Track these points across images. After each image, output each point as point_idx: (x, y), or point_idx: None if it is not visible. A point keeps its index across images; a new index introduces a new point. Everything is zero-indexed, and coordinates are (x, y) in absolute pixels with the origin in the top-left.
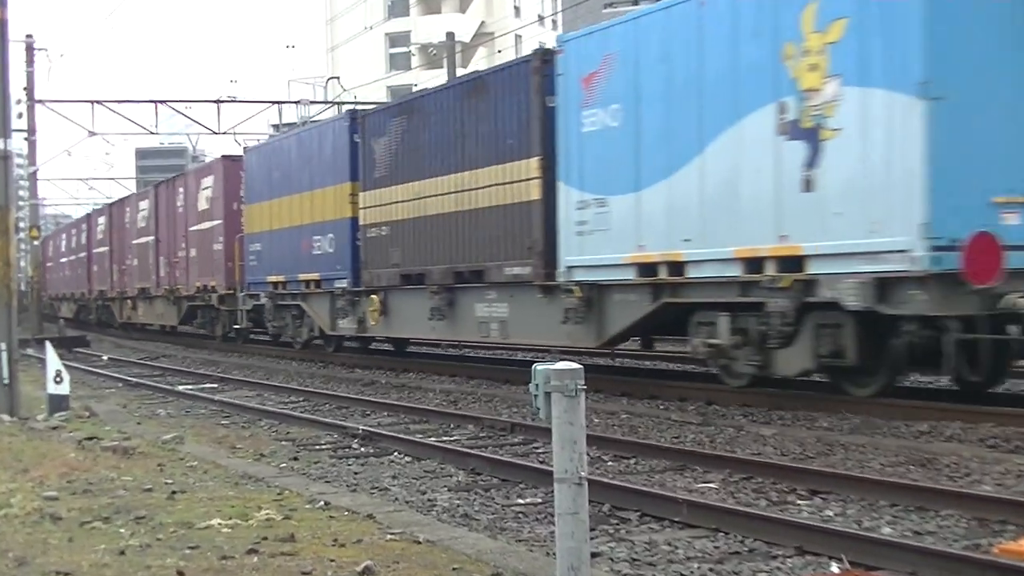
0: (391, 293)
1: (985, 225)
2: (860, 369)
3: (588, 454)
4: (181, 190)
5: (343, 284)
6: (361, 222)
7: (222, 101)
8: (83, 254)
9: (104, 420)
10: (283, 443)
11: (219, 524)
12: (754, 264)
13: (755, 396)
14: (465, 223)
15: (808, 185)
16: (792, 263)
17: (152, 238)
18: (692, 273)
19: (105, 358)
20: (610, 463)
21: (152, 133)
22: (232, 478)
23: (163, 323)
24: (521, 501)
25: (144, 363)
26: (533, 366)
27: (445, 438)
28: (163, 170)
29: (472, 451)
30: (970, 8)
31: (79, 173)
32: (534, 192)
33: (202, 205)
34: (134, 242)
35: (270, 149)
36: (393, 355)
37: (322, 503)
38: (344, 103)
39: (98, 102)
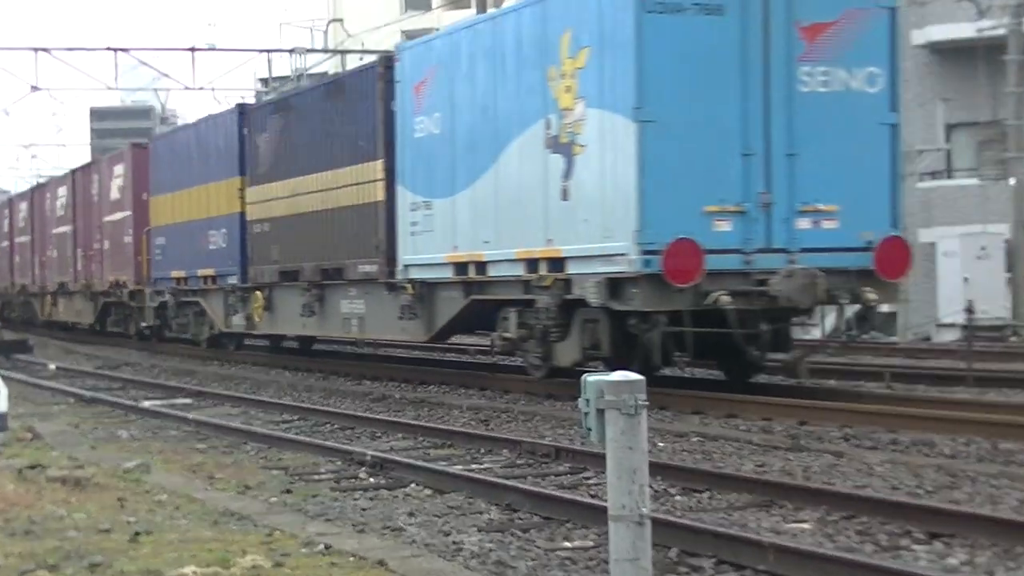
0: (274, 290)
1: (694, 232)
2: (619, 360)
3: (651, 486)
4: (96, 177)
5: (233, 280)
6: (248, 218)
7: (197, 50)
8: (5, 243)
9: (51, 444)
10: (273, 472)
11: (194, 573)
12: (532, 264)
13: (857, 415)
14: (329, 222)
15: (565, 194)
16: (557, 264)
17: (70, 228)
18: (492, 272)
19: (52, 367)
20: (678, 497)
21: (110, 89)
22: (210, 515)
23: (80, 321)
24: (568, 544)
25: (101, 373)
26: (583, 377)
27: (474, 466)
28: (125, 134)
29: (507, 482)
30: (682, 36)
31: (20, 138)
32: (379, 193)
33: (114, 195)
34: (54, 232)
35: (174, 139)
36: (406, 363)
37: (322, 546)
38: (349, 51)
39: (43, 50)
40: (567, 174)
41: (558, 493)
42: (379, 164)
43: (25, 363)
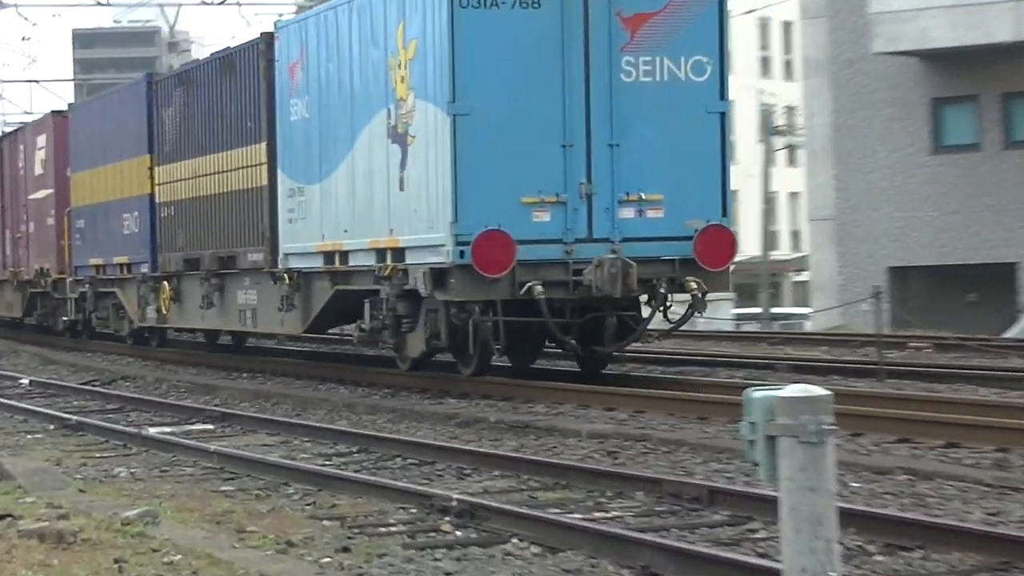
0: (181, 279)
1: (510, 223)
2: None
3: (841, 543)
4: (22, 148)
5: (145, 269)
6: (157, 200)
7: None
8: None
9: (24, 486)
10: (325, 523)
11: None
12: (381, 254)
13: None
14: (224, 207)
15: (402, 184)
16: (399, 254)
17: None
18: (352, 262)
19: (25, 382)
20: (880, 557)
21: (100, 4)
22: None
23: (10, 315)
24: None
25: (91, 390)
26: (745, 392)
27: (598, 515)
28: (119, 66)
29: (644, 536)
30: (498, 30)
31: None
32: (263, 178)
33: (38, 169)
34: None
35: (92, 108)
36: (499, 375)
37: None
38: None
39: None
40: (403, 164)
41: (713, 551)
42: (263, 147)
43: None
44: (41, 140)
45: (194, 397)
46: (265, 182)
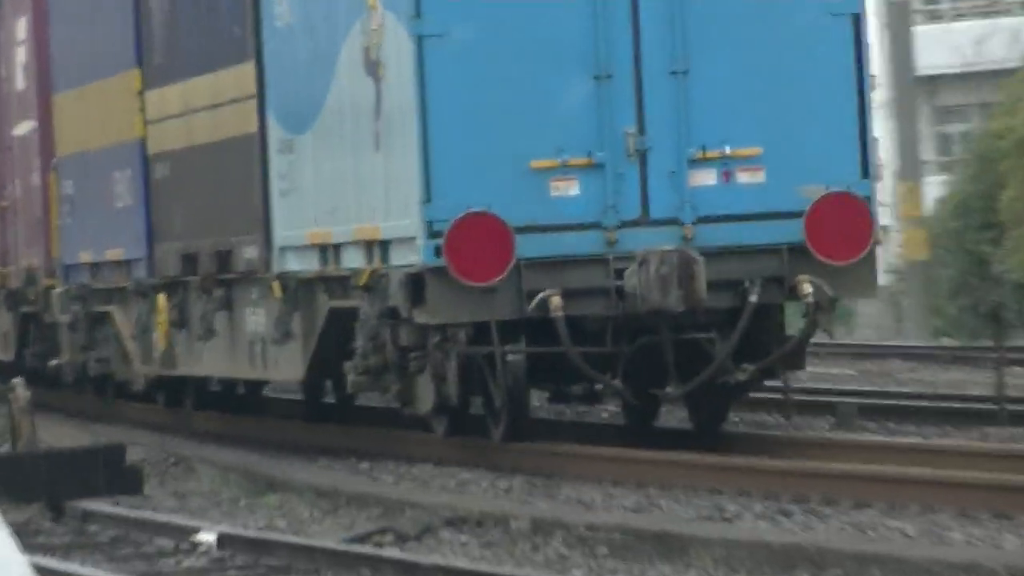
0: (187, 290)
1: (514, 202)
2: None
3: None
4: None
5: (140, 273)
6: (149, 150)
7: None
8: None
9: None
10: None
11: None
12: (369, 249)
13: None
14: (215, 166)
15: (377, 142)
16: (384, 249)
17: None
18: (343, 262)
19: (208, 539)
20: None
21: None
22: None
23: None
24: None
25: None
26: None
27: None
28: None
29: None
30: None
31: None
32: (253, 121)
33: (19, 83)
34: None
35: None
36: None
37: None
38: None
39: None
40: (377, 110)
41: None
42: (250, 69)
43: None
44: (22, 27)
45: None
46: (255, 128)
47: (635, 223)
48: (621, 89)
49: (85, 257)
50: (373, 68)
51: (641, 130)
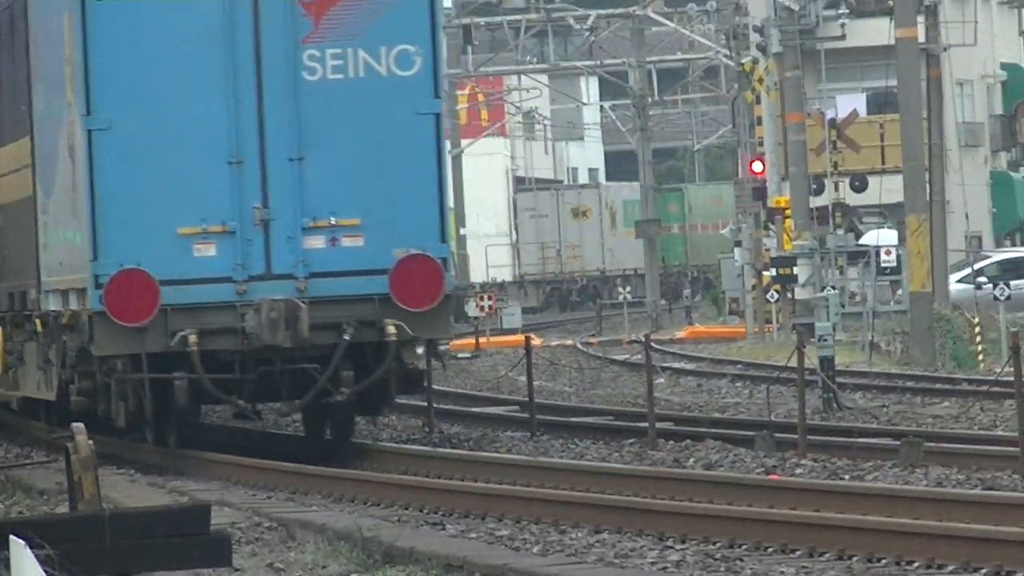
0: (9, 324)
1: (161, 260)
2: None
3: None
4: None
5: None
6: None
7: None
8: None
9: None
10: None
11: None
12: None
13: None
14: (10, 220)
15: (74, 208)
16: (82, 294)
17: None
18: (70, 303)
19: None
20: None
21: None
22: None
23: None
24: None
25: None
26: None
27: None
28: None
29: None
30: (143, 26)
31: None
32: (29, 187)
33: None
34: None
35: None
36: None
37: None
38: None
39: None
40: (73, 186)
41: None
42: (27, 141)
43: None
44: None
45: None
46: (31, 192)
47: (260, 278)
48: (250, 172)
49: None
50: (72, 153)
51: (265, 204)
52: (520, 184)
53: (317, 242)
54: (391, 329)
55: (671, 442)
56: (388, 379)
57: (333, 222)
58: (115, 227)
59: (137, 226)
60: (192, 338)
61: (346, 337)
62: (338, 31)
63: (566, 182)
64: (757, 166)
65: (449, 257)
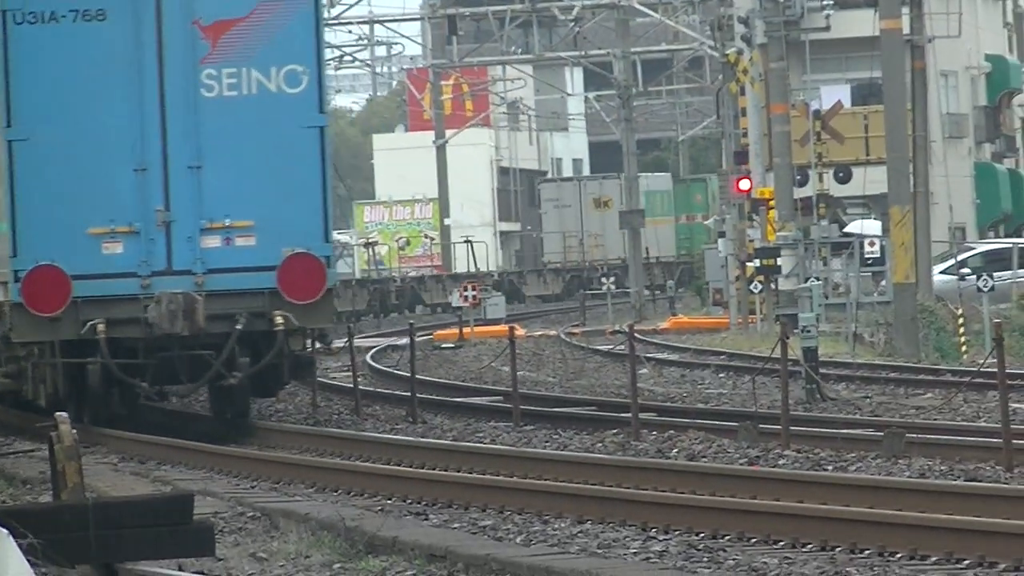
0: None
1: (72, 257)
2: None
3: None
4: None
5: None
6: None
7: None
8: None
9: None
10: None
11: None
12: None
13: None
14: None
15: None
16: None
17: None
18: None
19: None
20: None
21: None
22: None
23: None
24: None
25: None
26: None
27: None
28: None
29: None
30: (59, 47)
31: None
32: None
33: None
34: None
35: None
36: None
37: None
38: None
39: None
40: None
41: None
42: None
43: None
44: None
45: None
46: None
47: (162, 273)
48: (154, 178)
49: None
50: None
51: (167, 207)
52: (503, 174)
53: (214, 241)
54: (279, 320)
55: (654, 432)
56: (280, 365)
57: (228, 223)
58: (32, 227)
59: (52, 226)
60: (100, 327)
61: (238, 327)
62: (233, 53)
63: (550, 173)
64: (744, 184)
65: (332, 255)
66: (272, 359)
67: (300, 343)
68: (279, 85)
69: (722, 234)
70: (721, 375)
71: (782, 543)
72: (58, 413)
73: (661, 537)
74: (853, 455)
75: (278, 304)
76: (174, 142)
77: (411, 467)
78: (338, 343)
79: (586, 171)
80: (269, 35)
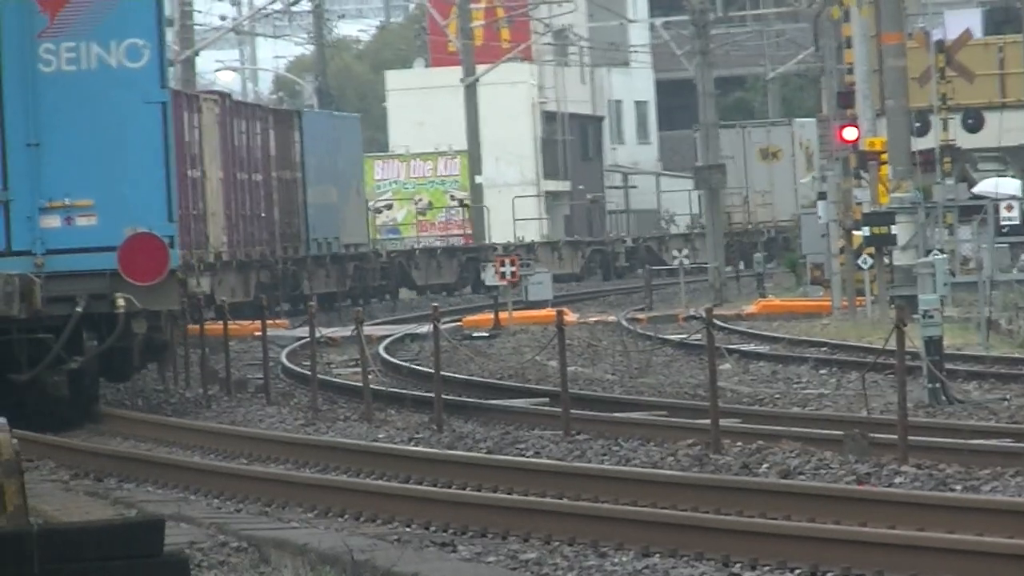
0: None
1: None
2: None
3: None
4: None
5: None
6: None
7: None
8: None
9: None
10: None
11: None
12: None
13: None
14: None
15: None
16: None
17: None
18: None
19: None
20: None
21: None
22: None
23: None
24: None
25: None
26: None
27: None
28: None
29: None
30: None
31: None
32: None
33: None
34: None
35: None
36: None
37: None
38: None
39: None
40: None
41: None
42: None
43: None
44: None
45: None
46: None
47: (2, 255)
48: None
49: None
50: None
51: (5, 186)
52: (549, 120)
53: (53, 221)
54: (120, 302)
55: (739, 443)
56: (129, 348)
57: (68, 203)
58: None
59: None
60: None
61: (79, 309)
62: (72, 26)
63: (607, 117)
64: (849, 132)
65: (175, 236)
66: (115, 342)
67: (141, 326)
68: (120, 59)
69: (822, 196)
70: (822, 372)
71: None
72: None
73: (747, 573)
74: (987, 471)
75: (119, 286)
76: (11, 119)
77: (435, 486)
78: (344, 332)
79: (652, 116)
80: (109, 8)
